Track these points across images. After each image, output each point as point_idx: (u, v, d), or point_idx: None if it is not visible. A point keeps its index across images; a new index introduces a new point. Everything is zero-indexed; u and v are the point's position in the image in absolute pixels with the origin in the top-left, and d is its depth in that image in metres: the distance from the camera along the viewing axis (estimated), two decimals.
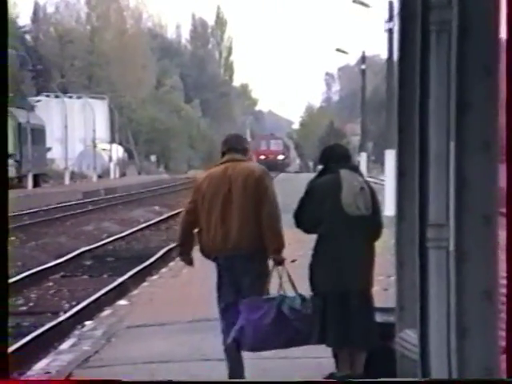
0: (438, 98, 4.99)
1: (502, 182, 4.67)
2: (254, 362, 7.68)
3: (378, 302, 6.84)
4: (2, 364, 4.66)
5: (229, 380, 6.61)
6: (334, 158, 6.69)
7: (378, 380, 6.13)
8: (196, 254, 20.11)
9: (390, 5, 28.52)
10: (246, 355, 7.97)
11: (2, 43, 4.94)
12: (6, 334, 4.70)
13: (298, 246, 15.41)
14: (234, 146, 6.79)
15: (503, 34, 4.60)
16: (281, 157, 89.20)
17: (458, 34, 4.62)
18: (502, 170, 4.59)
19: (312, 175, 7.12)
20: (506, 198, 4.57)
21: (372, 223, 6.63)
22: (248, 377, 7.14)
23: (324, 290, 6.62)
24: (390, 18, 28.02)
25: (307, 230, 6.71)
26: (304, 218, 6.64)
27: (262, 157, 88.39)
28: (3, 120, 5.00)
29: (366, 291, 6.67)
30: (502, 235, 4.75)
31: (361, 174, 6.76)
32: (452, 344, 4.75)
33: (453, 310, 4.76)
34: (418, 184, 5.22)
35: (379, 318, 6.71)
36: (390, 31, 27.65)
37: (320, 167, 6.84)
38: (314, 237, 6.75)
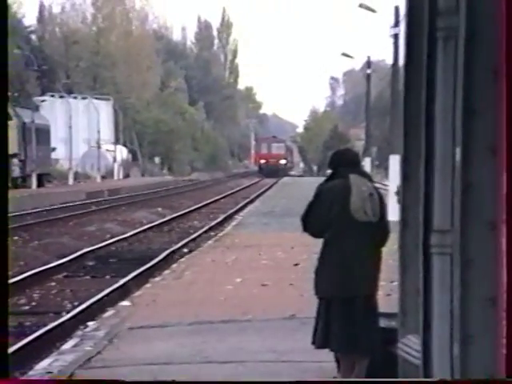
0: (444, 104, 5.00)
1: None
2: (255, 366, 7.69)
3: (381, 306, 6.84)
4: (2, 364, 4.65)
5: (230, 380, 6.60)
6: (344, 162, 6.68)
7: (378, 380, 6.13)
8: (199, 254, 20.00)
9: (396, 10, 28.54)
10: (249, 358, 7.97)
11: (1, 42, 4.89)
12: (6, 334, 4.70)
13: (302, 249, 15.44)
14: None
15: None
16: (283, 161, 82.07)
17: (465, 40, 4.62)
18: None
19: (316, 179, 7.15)
20: (506, 204, 4.56)
21: (379, 229, 6.62)
22: (249, 380, 7.13)
23: (329, 294, 6.61)
24: (396, 24, 28.03)
25: (314, 234, 6.70)
26: (312, 222, 6.62)
27: (263, 161, 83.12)
28: (3, 121, 4.97)
29: (371, 296, 6.67)
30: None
31: (370, 180, 6.76)
32: (455, 350, 4.75)
33: (456, 317, 4.76)
34: (423, 189, 5.22)
35: (382, 323, 6.71)
36: (396, 36, 27.67)
37: (329, 171, 6.84)
38: (318, 241, 6.76)
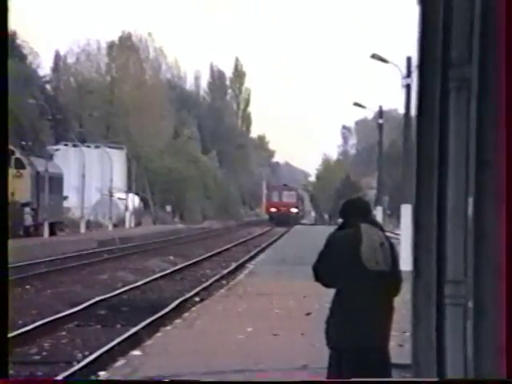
0: (456, 154, 5.01)
1: None
2: None
3: (394, 357, 6.78)
4: (1, 364, 4.63)
5: (222, 380, 6.52)
6: (355, 211, 6.67)
7: (379, 380, 6.07)
8: (211, 303, 19.75)
9: (408, 61, 28.72)
10: None
11: (1, 67, 4.89)
12: (6, 334, 4.69)
13: (314, 298, 15.36)
14: None
15: None
16: (294, 209, 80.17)
17: (477, 91, 4.64)
18: None
19: (327, 228, 7.14)
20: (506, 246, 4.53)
21: (391, 279, 6.60)
22: None
23: (341, 345, 6.57)
24: (408, 74, 28.20)
25: (326, 284, 6.68)
26: (323, 272, 6.60)
27: (273, 209, 79.27)
28: (3, 164, 4.93)
29: (383, 347, 6.62)
30: None
31: (381, 229, 6.74)
32: None
33: (470, 367, 4.72)
34: (436, 239, 5.21)
35: (395, 374, 6.65)
36: (408, 86, 27.82)
37: (340, 220, 6.83)
38: (330, 290, 6.72)
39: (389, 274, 6.60)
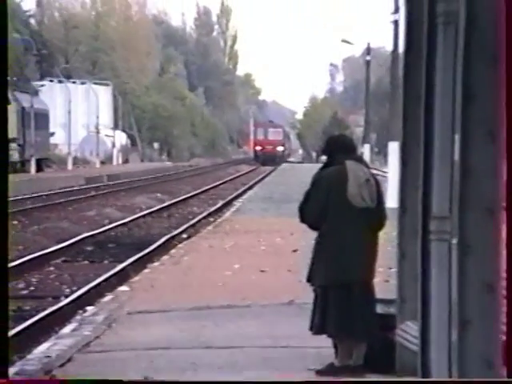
0: (443, 90, 4.99)
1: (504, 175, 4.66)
2: (253, 351, 7.71)
3: (379, 293, 6.85)
4: (1, 364, 4.65)
5: (219, 380, 6.60)
6: (340, 148, 6.66)
7: (380, 380, 6.16)
8: (198, 240, 19.88)
9: None
10: (247, 343, 8.00)
11: (1, 30, 4.88)
12: (6, 335, 4.71)
13: (301, 235, 15.44)
14: None
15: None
16: (280, 148, 76.75)
17: (465, 25, 4.61)
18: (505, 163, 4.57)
19: (315, 165, 7.14)
20: (506, 192, 4.56)
21: (377, 215, 6.63)
22: (247, 365, 7.16)
23: (326, 281, 6.62)
24: (396, 10, 27.97)
25: (312, 225, 6.68)
26: (310, 212, 6.60)
27: (259, 147, 75.33)
28: (3, 108, 4.96)
29: (368, 282, 6.68)
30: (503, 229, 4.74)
31: (366, 165, 6.75)
32: (453, 336, 4.76)
33: (454, 302, 4.77)
34: (422, 176, 5.23)
35: (380, 309, 6.72)
36: (396, 23, 27.61)
37: (324, 158, 6.82)
38: None
39: (374, 211, 6.63)
